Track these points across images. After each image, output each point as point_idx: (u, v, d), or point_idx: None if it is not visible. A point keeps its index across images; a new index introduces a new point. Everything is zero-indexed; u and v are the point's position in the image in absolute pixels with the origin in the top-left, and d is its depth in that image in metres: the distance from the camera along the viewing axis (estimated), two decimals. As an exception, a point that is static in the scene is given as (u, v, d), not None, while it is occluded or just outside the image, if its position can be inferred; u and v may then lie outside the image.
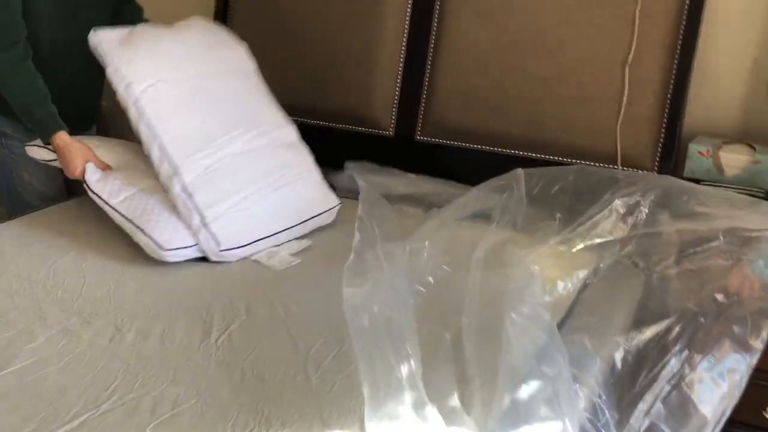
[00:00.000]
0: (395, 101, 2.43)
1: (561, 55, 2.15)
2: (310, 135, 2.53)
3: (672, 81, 2.04)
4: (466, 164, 2.33)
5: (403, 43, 2.40)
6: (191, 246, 1.72)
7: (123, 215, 1.75)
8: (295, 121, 2.54)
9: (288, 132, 2.13)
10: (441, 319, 1.32)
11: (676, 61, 2.03)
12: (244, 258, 1.76)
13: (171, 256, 1.68)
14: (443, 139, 2.36)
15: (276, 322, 1.44)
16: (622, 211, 1.61)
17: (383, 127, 2.45)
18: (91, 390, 1.20)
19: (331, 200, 2.03)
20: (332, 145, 2.53)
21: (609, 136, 2.11)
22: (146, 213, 1.74)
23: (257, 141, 1.97)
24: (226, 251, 1.73)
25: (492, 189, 1.75)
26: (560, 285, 1.50)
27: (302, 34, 2.54)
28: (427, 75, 2.37)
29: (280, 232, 1.84)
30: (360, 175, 1.91)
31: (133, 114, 1.80)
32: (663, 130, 2.07)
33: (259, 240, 1.79)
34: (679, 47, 2.02)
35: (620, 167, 2.10)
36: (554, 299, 1.46)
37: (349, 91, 2.48)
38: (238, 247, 1.75)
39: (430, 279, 1.41)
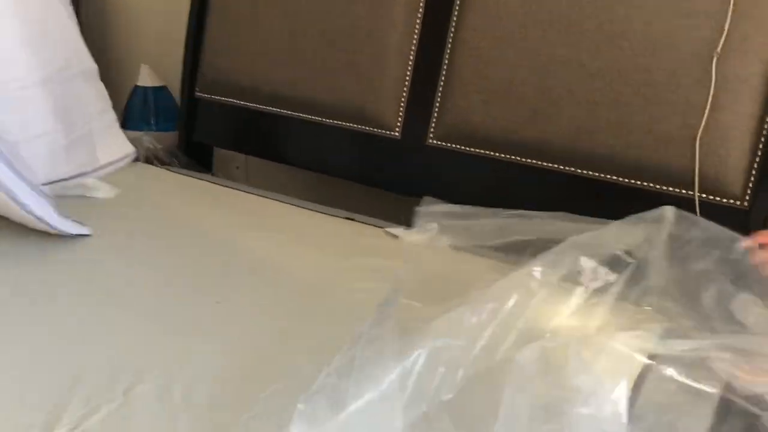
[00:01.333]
0: (404, 93, 1.94)
1: (625, 44, 1.63)
2: (300, 132, 2.12)
3: (779, 80, 1.50)
4: (490, 178, 1.85)
5: (418, 22, 1.92)
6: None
7: None
8: (283, 116, 2.13)
9: None
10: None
11: (786, 52, 1.49)
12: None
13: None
14: (461, 144, 1.86)
15: (161, 415, 0.93)
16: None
17: (388, 126, 1.96)
18: None
19: None
20: (325, 146, 2.09)
21: (685, 151, 1.58)
22: None
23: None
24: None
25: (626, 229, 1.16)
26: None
27: (295, 9, 2.09)
28: (446, 63, 1.87)
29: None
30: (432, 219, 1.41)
31: None
32: (761, 146, 1.53)
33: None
34: (791, 33, 1.48)
35: (697, 193, 1.57)
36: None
37: (350, 81, 2.02)
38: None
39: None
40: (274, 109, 2.15)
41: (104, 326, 1.15)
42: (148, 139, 2.31)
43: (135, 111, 2.68)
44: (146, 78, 2.65)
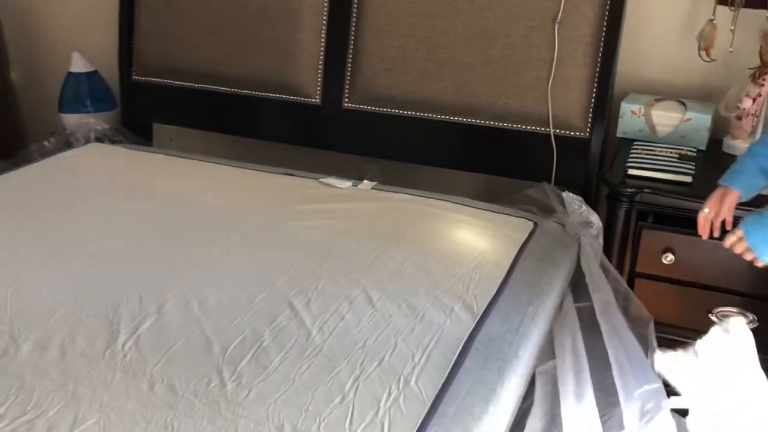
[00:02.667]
0: (320, 66, 2.31)
1: (490, 15, 2.06)
2: (233, 105, 2.44)
3: (602, 38, 1.97)
4: (396, 131, 2.24)
5: (325, 4, 2.26)
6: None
7: None
8: (216, 92, 2.43)
9: None
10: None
11: (606, 18, 1.96)
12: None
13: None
14: (372, 105, 2.26)
15: (189, 321, 1.34)
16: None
17: (309, 95, 2.34)
18: (-22, 415, 1.09)
19: None
20: (258, 116, 2.42)
21: (540, 98, 2.04)
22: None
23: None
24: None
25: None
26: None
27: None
28: (352, 38, 2.25)
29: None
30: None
31: None
32: (594, 90, 2.01)
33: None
34: (609, 3, 1.95)
35: (552, 129, 2.04)
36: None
37: (271, 57, 2.35)
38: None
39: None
40: (207, 86, 2.45)
41: (128, 266, 1.53)
42: (95, 121, 2.57)
43: (70, 95, 2.87)
44: (78, 64, 2.85)
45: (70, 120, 2.84)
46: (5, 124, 3.07)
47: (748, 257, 1.38)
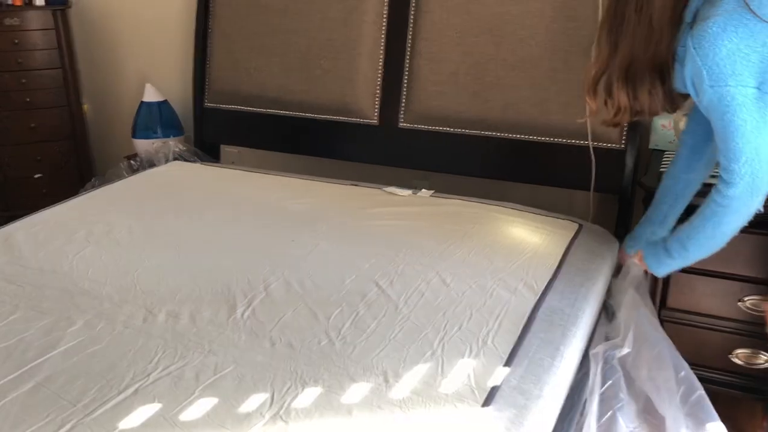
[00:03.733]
0: (377, 90, 2.57)
1: (533, 42, 2.30)
2: (298, 127, 2.70)
3: (635, 61, 2.21)
4: (447, 148, 2.48)
5: (383, 34, 2.54)
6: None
7: None
8: (283, 116, 2.70)
9: None
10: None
11: (637, 43, 2.20)
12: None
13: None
14: (424, 124, 2.51)
15: (293, 297, 1.58)
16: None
17: (368, 116, 2.59)
18: (137, 363, 1.33)
19: None
20: (321, 136, 2.68)
21: (580, 114, 2.26)
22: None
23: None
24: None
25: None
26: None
27: (285, 29, 2.66)
28: (407, 64, 2.51)
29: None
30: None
31: None
32: (628, 107, 2.24)
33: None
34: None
35: (591, 142, 2.27)
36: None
37: (334, 83, 2.61)
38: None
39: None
40: (274, 110, 2.73)
41: (232, 256, 1.78)
42: (173, 143, 2.85)
43: (142, 123, 3.18)
44: (151, 94, 3.16)
45: (142, 145, 3.14)
46: (77, 151, 3.39)
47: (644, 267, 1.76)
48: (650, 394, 1.54)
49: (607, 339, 1.64)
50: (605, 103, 1.60)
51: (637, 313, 1.66)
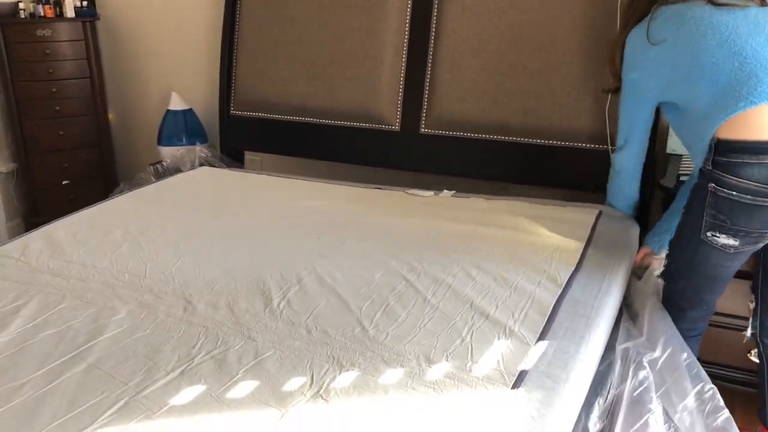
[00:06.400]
0: (399, 97, 2.64)
1: (553, 50, 2.38)
2: (322, 134, 2.78)
3: (651, 67, 2.28)
4: (468, 153, 2.55)
5: (405, 42, 2.62)
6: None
7: None
8: (307, 123, 2.78)
9: None
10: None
11: (653, 50, 2.27)
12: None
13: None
14: (445, 130, 2.58)
15: (326, 289, 1.64)
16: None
17: (389, 122, 2.67)
18: (181, 348, 1.39)
19: None
20: (344, 142, 2.75)
21: (598, 119, 2.34)
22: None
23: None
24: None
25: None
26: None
27: (309, 39, 2.75)
28: (429, 71, 2.58)
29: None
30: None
31: None
32: (645, 112, 2.30)
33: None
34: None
35: (610, 146, 2.33)
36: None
37: (356, 90, 2.69)
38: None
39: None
40: (299, 118, 2.81)
41: (264, 253, 1.84)
42: (200, 148, 2.94)
43: (168, 130, 3.27)
44: (176, 103, 3.25)
45: (167, 152, 3.22)
46: (103, 159, 3.48)
47: (647, 261, 1.94)
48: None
49: (629, 336, 1.68)
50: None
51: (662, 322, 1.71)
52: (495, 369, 1.32)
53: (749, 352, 2.03)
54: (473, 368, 1.33)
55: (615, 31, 2.24)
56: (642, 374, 1.55)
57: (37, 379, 1.29)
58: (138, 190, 2.44)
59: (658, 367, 1.59)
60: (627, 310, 1.81)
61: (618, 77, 1.92)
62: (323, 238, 1.94)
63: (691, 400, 1.54)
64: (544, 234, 1.96)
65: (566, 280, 1.67)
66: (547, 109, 2.40)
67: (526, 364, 1.34)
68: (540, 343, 1.42)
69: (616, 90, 1.95)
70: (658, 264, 1.90)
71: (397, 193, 2.35)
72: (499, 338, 1.43)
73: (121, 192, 2.64)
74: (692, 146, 1.74)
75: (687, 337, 1.70)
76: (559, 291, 1.62)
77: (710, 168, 1.57)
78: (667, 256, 1.79)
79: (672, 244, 1.77)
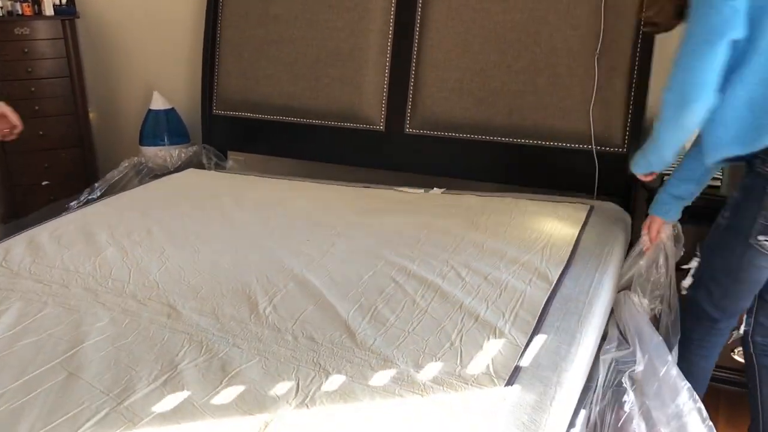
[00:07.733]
0: (384, 97, 2.63)
1: (537, 49, 2.37)
2: (306, 134, 2.75)
3: (636, 67, 2.27)
4: (453, 153, 2.54)
5: (389, 42, 2.60)
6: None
7: None
8: (291, 122, 2.76)
9: None
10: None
11: (638, 50, 2.26)
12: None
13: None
14: (430, 130, 2.57)
15: (313, 293, 1.62)
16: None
17: (374, 122, 2.65)
18: (165, 356, 1.37)
19: None
20: (328, 142, 2.73)
21: (583, 119, 2.34)
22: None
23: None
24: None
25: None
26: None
27: (293, 38, 2.72)
28: (413, 71, 2.57)
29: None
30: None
31: None
32: (630, 111, 2.30)
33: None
34: (640, 38, 2.25)
35: (594, 146, 2.33)
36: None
37: (341, 90, 2.67)
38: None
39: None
40: (282, 117, 2.78)
41: (249, 256, 1.82)
42: (182, 148, 2.90)
43: (150, 130, 3.22)
44: (158, 102, 3.20)
45: (149, 152, 3.17)
46: (84, 159, 3.43)
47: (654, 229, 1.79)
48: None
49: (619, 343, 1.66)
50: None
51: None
52: (484, 373, 1.31)
53: (732, 351, 2.04)
54: (462, 372, 1.31)
55: (599, 31, 2.26)
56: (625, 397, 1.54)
57: (15, 390, 1.25)
58: (125, 192, 2.41)
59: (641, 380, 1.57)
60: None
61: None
62: (313, 240, 1.92)
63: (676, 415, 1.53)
64: (535, 229, 1.96)
65: (557, 276, 1.66)
66: (532, 109, 2.39)
67: (517, 367, 1.33)
68: (531, 344, 1.41)
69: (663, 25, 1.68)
70: (667, 232, 1.80)
71: (386, 191, 2.34)
72: (488, 340, 1.42)
73: (95, 191, 2.61)
74: (739, 134, 1.50)
75: (707, 354, 1.66)
76: (550, 289, 1.61)
77: None
78: (699, 263, 1.69)
79: (708, 249, 1.66)
